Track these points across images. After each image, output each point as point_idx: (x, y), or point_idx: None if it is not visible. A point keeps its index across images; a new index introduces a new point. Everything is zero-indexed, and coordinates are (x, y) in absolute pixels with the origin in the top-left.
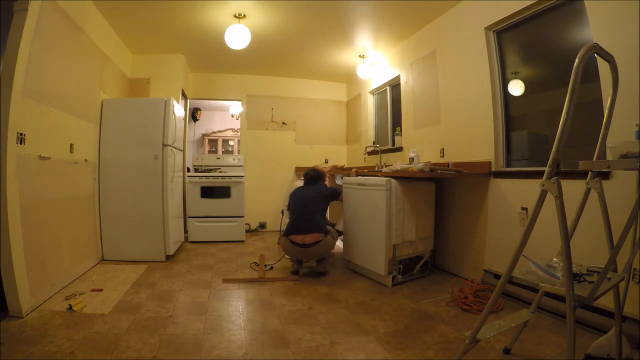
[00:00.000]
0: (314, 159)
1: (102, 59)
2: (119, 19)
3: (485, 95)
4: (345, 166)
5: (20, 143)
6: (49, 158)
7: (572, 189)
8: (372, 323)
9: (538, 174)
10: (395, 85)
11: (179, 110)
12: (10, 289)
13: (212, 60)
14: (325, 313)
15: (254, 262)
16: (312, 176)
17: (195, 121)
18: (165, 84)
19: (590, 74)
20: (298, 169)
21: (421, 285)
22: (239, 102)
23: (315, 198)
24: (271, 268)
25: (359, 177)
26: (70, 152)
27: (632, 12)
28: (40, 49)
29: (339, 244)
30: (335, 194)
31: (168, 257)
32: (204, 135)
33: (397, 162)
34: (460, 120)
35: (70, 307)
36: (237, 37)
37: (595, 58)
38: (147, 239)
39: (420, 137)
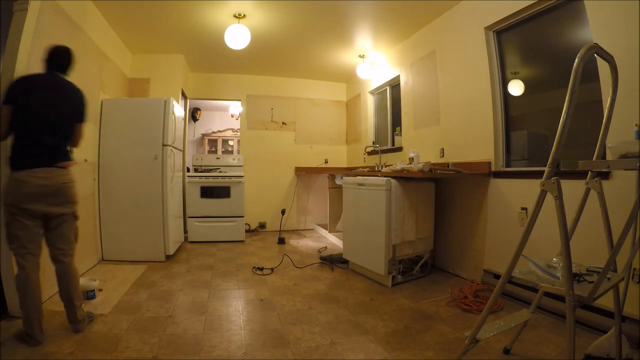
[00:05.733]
0: (313, 159)
1: (102, 59)
2: (119, 19)
3: (485, 95)
4: (346, 166)
5: None
6: None
7: (572, 189)
8: (371, 323)
9: (538, 174)
10: (395, 85)
11: (178, 110)
12: (10, 289)
13: (211, 60)
14: (325, 313)
15: (256, 267)
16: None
17: (195, 121)
18: (164, 84)
19: (590, 74)
20: (298, 169)
21: (421, 285)
22: (239, 102)
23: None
24: (272, 271)
25: (358, 177)
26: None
27: (632, 12)
28: (40, 49)
29: (339, 243)
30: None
31: (168, 257)
32: (203, 135)
33: (397, 162)
34: (460, 120)
35: None
36: (237, 37)
37: (595, 58)
38: (147, 239)
39: (420, 137)
